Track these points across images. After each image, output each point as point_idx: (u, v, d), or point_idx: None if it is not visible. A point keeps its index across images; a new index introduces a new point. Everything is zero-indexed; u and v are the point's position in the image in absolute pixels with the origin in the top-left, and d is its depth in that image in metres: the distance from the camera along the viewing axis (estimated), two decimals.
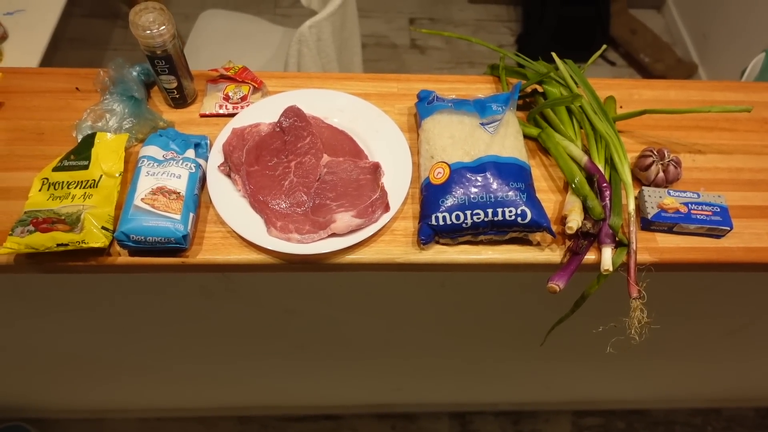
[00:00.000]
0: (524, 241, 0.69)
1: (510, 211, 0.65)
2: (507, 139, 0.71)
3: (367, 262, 0.67)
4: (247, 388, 1.34)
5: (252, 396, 1.42)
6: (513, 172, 0.67)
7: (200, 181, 0.70)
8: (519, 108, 0.83)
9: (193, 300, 0.87)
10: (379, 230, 0.68)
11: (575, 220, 0.67)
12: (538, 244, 0.69)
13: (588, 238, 0.68)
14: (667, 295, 0.80)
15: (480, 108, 0.75)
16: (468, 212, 0.65)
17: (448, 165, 0.68)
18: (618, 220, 0.68)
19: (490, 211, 0.65)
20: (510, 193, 0.65)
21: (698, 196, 0.72)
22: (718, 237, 0.72)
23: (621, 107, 0.84)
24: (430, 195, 0.68)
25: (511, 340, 1.10)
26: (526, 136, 0.78)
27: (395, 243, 0.69)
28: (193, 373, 1.21)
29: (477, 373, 1.30)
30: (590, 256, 0.69)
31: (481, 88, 0.85)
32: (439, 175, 0.68)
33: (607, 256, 0.67)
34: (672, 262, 0.70)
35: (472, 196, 0.65)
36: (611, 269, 0.66)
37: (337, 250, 0.65)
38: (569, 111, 0.78)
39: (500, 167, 0.67)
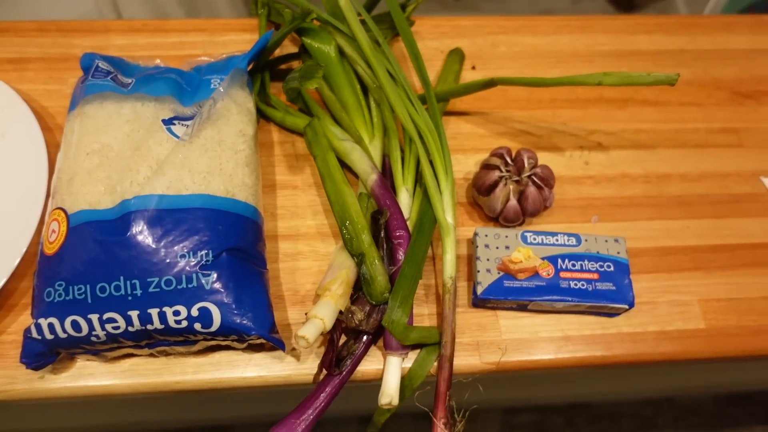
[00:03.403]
0: (258, 348, 0.37)
1: (175, 313, 0.32)
2: (210, 153, 0.37)
3: None
4: None
5: None
6: (196, 228, 0.34)
7: None
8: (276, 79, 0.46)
9: None
10: None
11: (318, 321, 0.34)
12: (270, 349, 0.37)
13: (362, 336, 0.37)
14: None
15: (188, 86, 0.40)
16: (94, 316, 0.33)
17: (67, 216, 0.34)
18: (405, 313, 0.36)
19: (134, 314, 0.32)
20: (177, 272, 0.32)
21: (578, 241, 0.40)
22: (610, 316, 0.40)
23: (474, 68, 0.49)
24: (40, 276, 0.35)
25: None
26: (292, 131, 0.44)
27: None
28: None
29: None
30: (371, 364, 0.37)
31: (235, 40, 0.50)
32: (54, 237, 0.35)
33: (392, 379, 0.35)
34: (521, 368, 0.39)
35: (100, 284, 0.33)
36: (395, 403, 0.35)
37: None
38: (364, 87, 0.44)
39: (167, 217, 0.34)
